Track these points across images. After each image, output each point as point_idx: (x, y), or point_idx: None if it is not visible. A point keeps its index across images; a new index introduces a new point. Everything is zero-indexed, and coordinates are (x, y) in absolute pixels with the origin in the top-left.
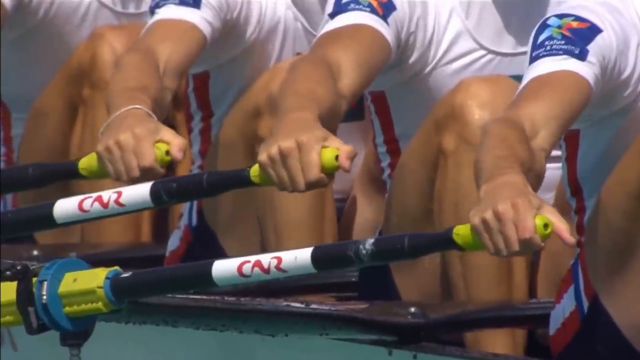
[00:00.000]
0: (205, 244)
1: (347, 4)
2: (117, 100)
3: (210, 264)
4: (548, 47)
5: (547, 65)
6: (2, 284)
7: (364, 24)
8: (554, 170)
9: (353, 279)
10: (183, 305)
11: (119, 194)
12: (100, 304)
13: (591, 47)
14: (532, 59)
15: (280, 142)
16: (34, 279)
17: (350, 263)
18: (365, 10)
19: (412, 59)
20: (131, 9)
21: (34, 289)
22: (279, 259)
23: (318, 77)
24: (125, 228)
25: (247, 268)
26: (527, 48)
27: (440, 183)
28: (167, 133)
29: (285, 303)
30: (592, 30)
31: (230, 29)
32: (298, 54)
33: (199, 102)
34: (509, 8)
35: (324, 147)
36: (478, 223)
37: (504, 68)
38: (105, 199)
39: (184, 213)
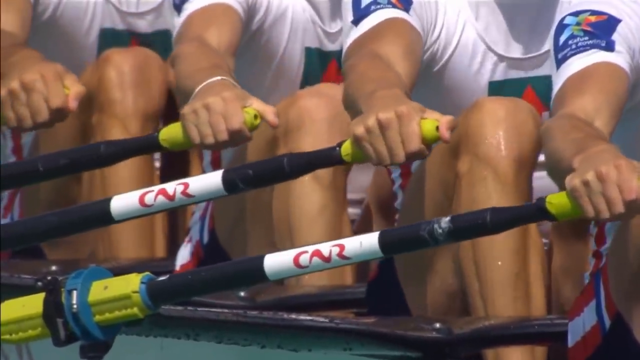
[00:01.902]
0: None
1: (367, 7)
2: (196, 78)
3: (261, 259)
4: (573, 46)
5: (578, 62)
6: (18, 299)
7: (393, 17)
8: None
9: (361, 296)
10: (205, 319)
11: (186, 185)
12: (135, 309)
13: (615, 38)
14: (560, 61)
15: (379, 114)
16: (62, 290)
17: (423, 244)
18: (387, 7)
19: (424, 51)
20: (132, 9)
21: (63, 300)
22: (342, 246)
23: (381, 67)
24: (139, 243)
25: (304, 259)
26: (536, 53)
27: (456, 202)
28: (256, 101)
29: (309, 318)
30: (612, 21)
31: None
32: (306, 47)
33: None
34: (514, 10)
35: (422, 118)
36: (578, 186)
37: (513, 72)
38: (170, 191)
39: (193, 228)
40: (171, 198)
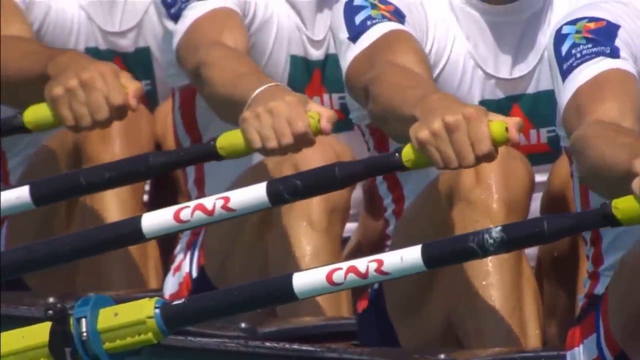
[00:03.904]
0: None
1: (363, 23)
2: (240, 85)
3: (289, 277)
4: (578, 55)
5: (587, 71)
6: (16, 330)
7: (394, 29)
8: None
9: (345, 329)
10: (206, 349)
11: (227, 199)
12: (150, 335)
13: (618, 44)
14: (565, 72)
15: (446, 116)
16: (69, 319)
17: (471, 255)
18: (383, 21)
19: None
20: (116, 28)
21: (72, 328)
22: (380, 262)
23: (410, 74)
24: (130, 274)
25: (338, 276)
26: (523, 72)
27: None
28: (315, 105)
29: (311, 348)
30: (611, 27)
31: None
32: (292, 55)
33: (185, 123)
34: (501, 28)
35: (489, 120)
36: None
37: (501, 91)
38: (209, 206)
39: (181, 256)
40: (210, 213)
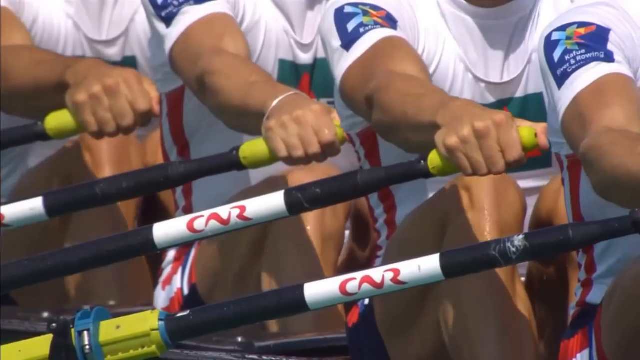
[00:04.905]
0: None
1: (356, 30)
2: (258, 94)
3: (300, 287)
4: (572, 61)
5: (584, 77)
6: (13, 344)
7: (389, 36)
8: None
9: (341, 344)
10: None
11: (242, 208)
12: (153, 347)
13: (610, 48)
14: (560, 78)
15: (475, 123)
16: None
17: (493, 264)
18: (376, 28)
19: None
20: (103, 37)
21: (74, 341)
22: (396, 271)
23: (418, 82)
24: (122, 288)
25: (352, 286)
26: (513, 76)
27: None
28: (337, 114)
29: None
30: (602, 31)
31: None
32: (280, 60)
33: (173, 131)
34: (492, 31)
35: (517, 126)
36: None
37: (491, 95)
38: (224, 215)
39: (170, 270)
40: (226, 222)
